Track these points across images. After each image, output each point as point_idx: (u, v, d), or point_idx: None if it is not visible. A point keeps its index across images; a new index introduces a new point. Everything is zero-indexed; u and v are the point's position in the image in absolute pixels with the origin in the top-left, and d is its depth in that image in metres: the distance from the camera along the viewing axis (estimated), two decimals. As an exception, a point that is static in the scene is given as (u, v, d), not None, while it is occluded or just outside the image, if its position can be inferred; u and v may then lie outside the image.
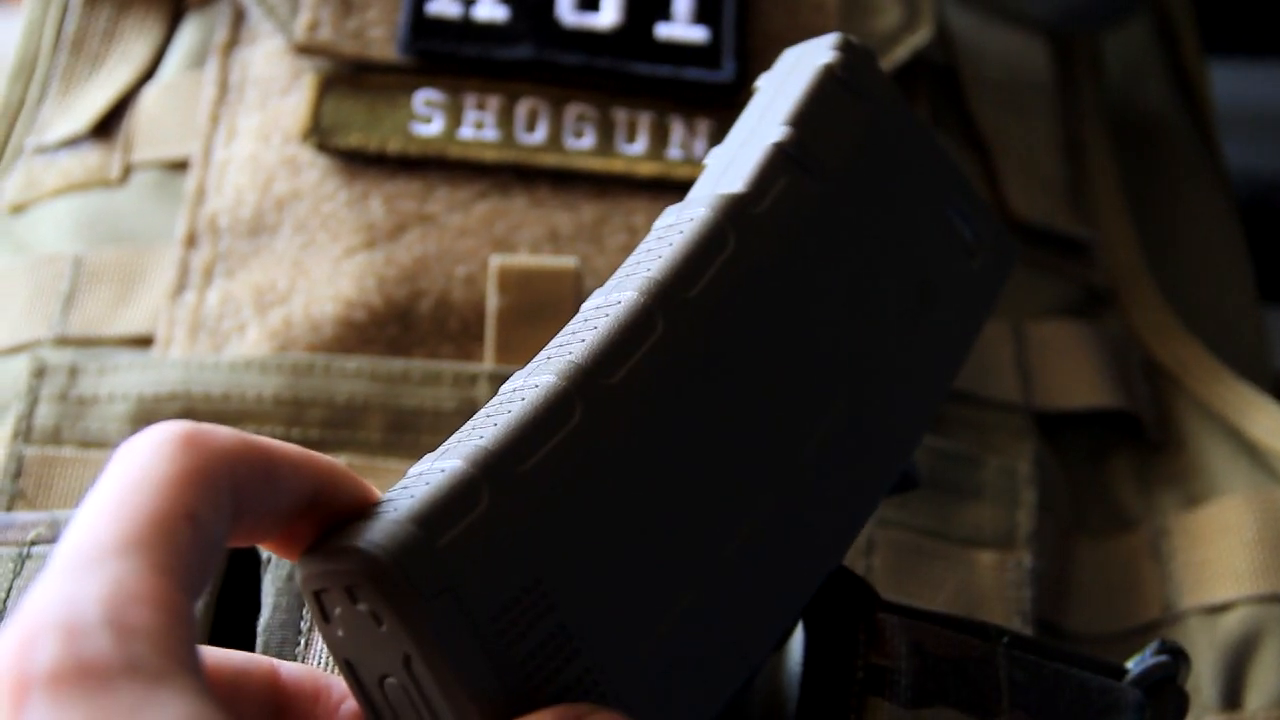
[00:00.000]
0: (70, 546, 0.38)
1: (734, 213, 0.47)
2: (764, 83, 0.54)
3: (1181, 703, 0.52)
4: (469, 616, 0.40)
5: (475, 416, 0.45)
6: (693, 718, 0.44)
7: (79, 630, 0.36)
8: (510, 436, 0.42)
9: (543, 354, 0.46)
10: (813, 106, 0.51)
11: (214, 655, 0.44)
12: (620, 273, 0.48)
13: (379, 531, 0.40)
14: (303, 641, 0.51)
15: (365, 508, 0.42)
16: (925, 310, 0.51)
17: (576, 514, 0.43)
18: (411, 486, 0.42)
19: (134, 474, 0.39)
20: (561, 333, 0.47)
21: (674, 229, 0.48)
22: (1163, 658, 0.52)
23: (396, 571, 0.40)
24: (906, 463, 0.51)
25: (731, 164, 0.50)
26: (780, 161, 0.49)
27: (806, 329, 0.48)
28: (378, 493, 0.43)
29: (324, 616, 0.42)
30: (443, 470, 0.42)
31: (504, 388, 0.45)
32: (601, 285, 0.48)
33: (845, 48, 0.52)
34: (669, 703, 0.44)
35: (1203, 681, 0.62)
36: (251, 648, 0.51)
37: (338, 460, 0.44)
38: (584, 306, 0.47)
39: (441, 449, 0.44)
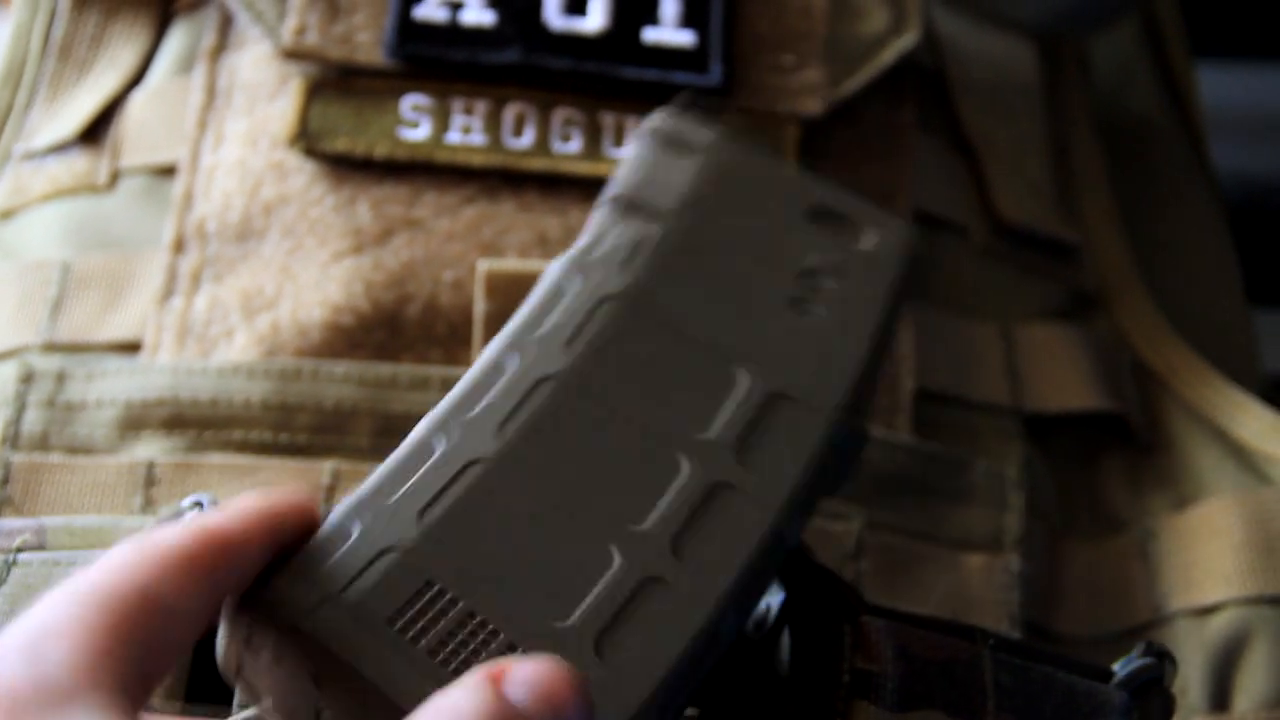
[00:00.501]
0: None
1: (576, 262, 0.54)
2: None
3: (1168, 705, 0.52)
4: (361, 622, 0.43)
5: None
6: (653, 680, 0.45)
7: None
8: (379, 478, 0.47)
9: None
10: (638, 162, 0.58)
11: None
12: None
13: (268, 585, 0.44)
14: None
15: (272, 546, 0.45)
16: (812, 297, 0.55)
17: (458, 523, 0.46)
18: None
19: (94, 565, 0.41)
20: None
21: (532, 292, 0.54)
22: (1149, 660, 0.52)
23: (269, 597, 0.43)
24: (852, 432, 0.53)
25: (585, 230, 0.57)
26: (612, 210, 0.56)
27: (679, 330, 0.53)
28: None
29: (252, 693, 0.45)
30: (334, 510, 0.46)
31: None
32: None
33: (674, 111, 0.60)
34: (618, 669, 0.44)
35: (1191, 683, 0.62)
36: None
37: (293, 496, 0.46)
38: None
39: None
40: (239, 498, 0.45)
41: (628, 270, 0.54)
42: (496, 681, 0.41)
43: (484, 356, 0.51)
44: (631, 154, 0.58)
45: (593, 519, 0.47)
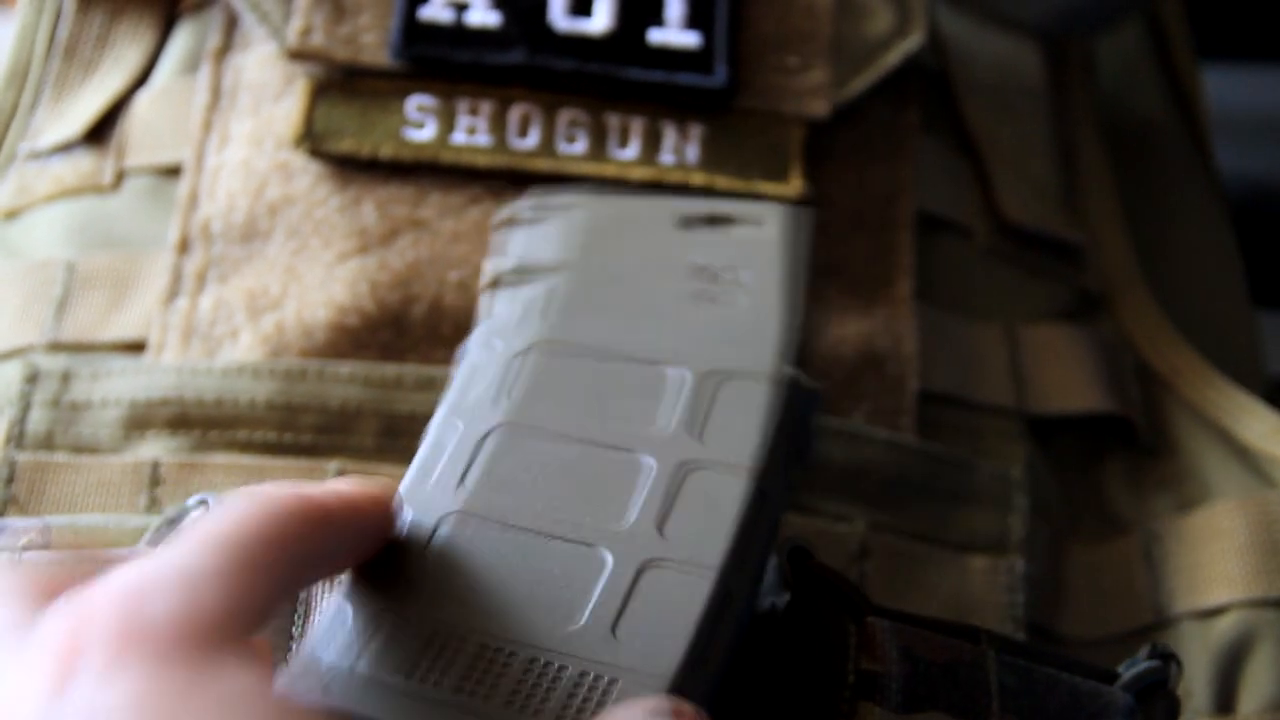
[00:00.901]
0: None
1: (484, 334, 0.56)
2: None
3: (1173, 707, 0.53)
4: (378, 687, 0.44)
5: None
6: (679, 652, 0.45)
7: (141, 597, 0.38)
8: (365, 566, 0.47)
9: None
10: (508, 243, 0.60)
11: None
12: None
13: (296, 674, 0.44)
14: (293, 646, 0.52)
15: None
16: (714, 288, 0.57)
17: (442, 575, 0.47)
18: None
19: (227, 512, 0.42)
20: None
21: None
22: (1154, 662, 0.52)
23: (292, 695, 0.43)
24: (801, 389, 0.53)
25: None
26: (502, 286, 0.58)
27: (604, 354, 0.54)
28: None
29: None
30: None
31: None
32: None
33: (525, 199, 0.62)
34: (644, 646, 0.45)
35: (1195, 685, 0.62)
36: None
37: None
38: None
39: None
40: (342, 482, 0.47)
41: (534, 323, 0.55)
42: None
43: (427, 437, 0.52)
44: (500, 240, 0.61)
45: (573, 533, 0.48)
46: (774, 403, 0.52)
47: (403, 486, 0.49)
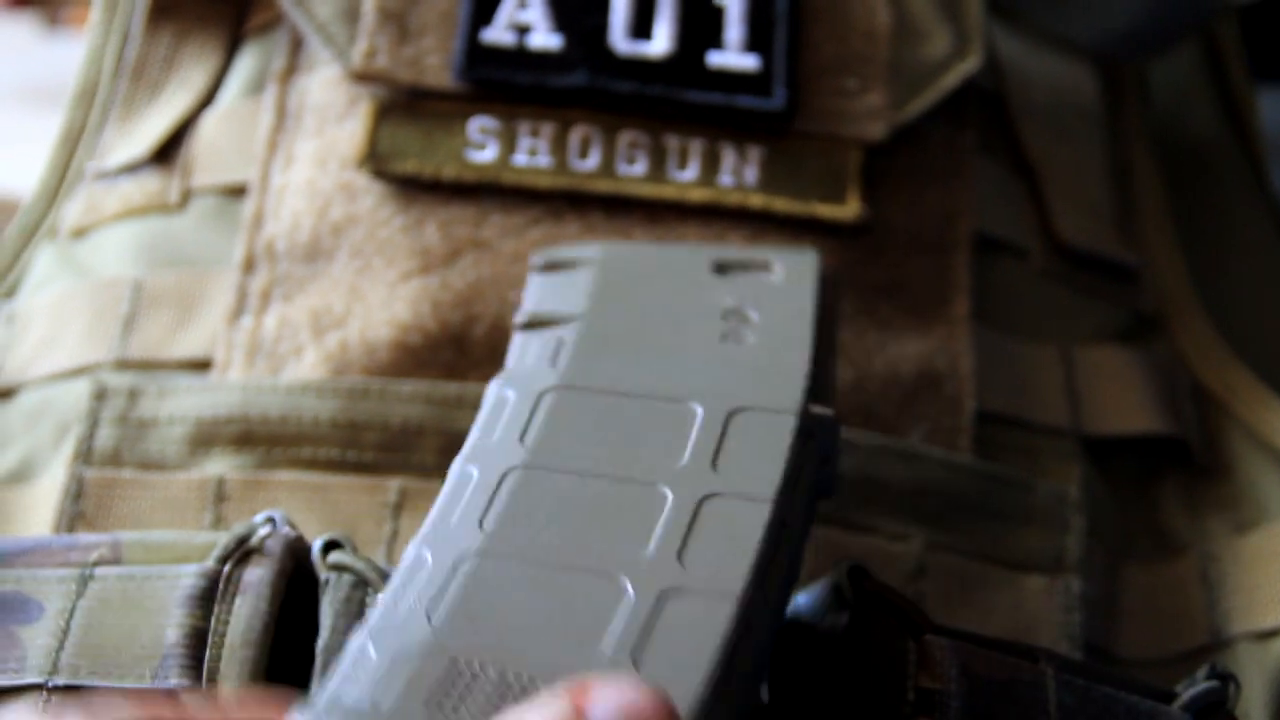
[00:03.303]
0: None
1: (505, 379, 0.55)
2: None
3: (1231, 728, 0.53)
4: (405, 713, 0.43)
5: None
6: (701, 679, 0.45)
7: None
8: (381, 605, 0.47)
9: None
10: (534, 292, 0.60)
11: None
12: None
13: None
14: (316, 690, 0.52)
15: None
16: (739, 329, 0.57)
17: (464, 609, 0.46)
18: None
19: None
20: None
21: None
22: (1213, 683, 0.53)
23: None
24: (820, 421, 0.53)
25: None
26: (524, 333, 0.58)
27: (622, 393, 0.54)
28: None
29: None
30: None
31: None
32: None
33: (541, 257, 0.62)
34: (666, 674, 0.44)
35: (1253, 708, 0.62)
36: (310, 669, 0.52)
37: None
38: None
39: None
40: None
41: (556, 366, 0.55)
42: (578, 697, 0.41)
43: (449, 478, 0.51)
44: (526, 289, 0.61)
45: (593, 564, 0.47)
46: (791, 434, 0.51)
47: (422, 532, 0.49)
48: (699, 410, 0.52)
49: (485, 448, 0.52)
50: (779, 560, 0.49)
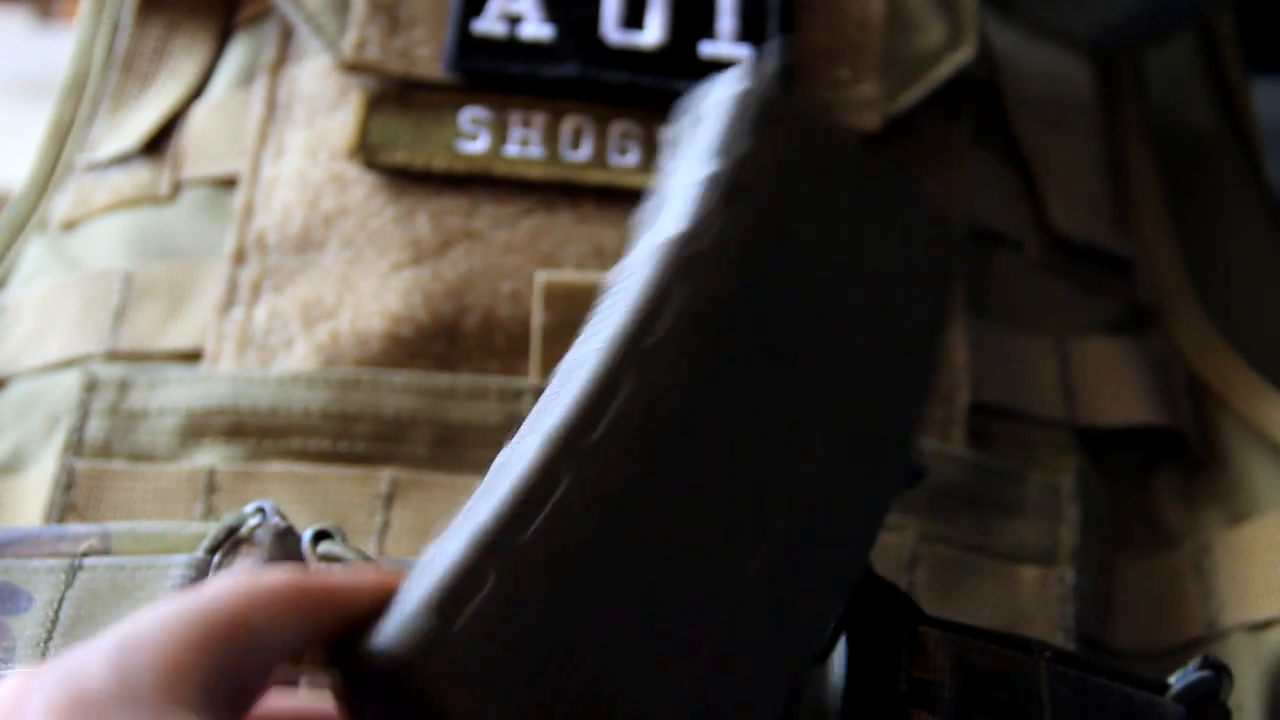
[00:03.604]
0: None
1: (679, 253, 0.49)
2: (677, 128, 0.56)
3: (1225, 718, 0.52)
4: (498, 692, 0.41)
5: (473, 495, 0.46)
6: None
7: (81, 668, 0.38)
8: (504, 512, 0.43)
9: (526, 423, 0.48)
10: (733, 134, 0.52)
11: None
12: (587, 330, 0.50)
13: (394, 628, 0.42)
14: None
15: (383, 605, 0.43)
16: (886, 304, 0.52)
17: (584, 573, 0.44)
18: (421, 576, 0.43)
19: (186, 592, 0.41)
20: (541, 397, 0.48)
21: (633, 277, 0.49)
22: (1206, 674, 0.52)
23: (417, 665, 0.41)
24: (909, 458, 0.52)
25: (670, 206, 0.51)
26: (712, 193, 0.50)
27: (775, 347, 0.49)
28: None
29: (357, 717, 0.44)
30: (446, 556, 0.43)
31: (495, 463, 0.47)
32: None
33: (755, 73, 0.54)
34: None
35: (1246, 698, 0.62)
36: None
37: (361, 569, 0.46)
38: (560, 368, 0.49)
39: (446, 534, 0.45)
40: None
41: (733, 274, 0.49)
42: None
43: (593, 369, 0.47)
44: (724, 122, 0.53)
45: (696, 575, 0.45)
46: (899, 475, 0.51)
47: (559, 428, 0.45)
48: (825, 413, 0.49)
49: (650, 346, 0.47)
50: (841, 606, 0.49)
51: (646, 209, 0.54)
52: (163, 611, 0.40)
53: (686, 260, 0.49)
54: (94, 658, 0.38)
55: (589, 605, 0.43)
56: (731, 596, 0.45)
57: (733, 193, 0.50)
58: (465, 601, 0.42)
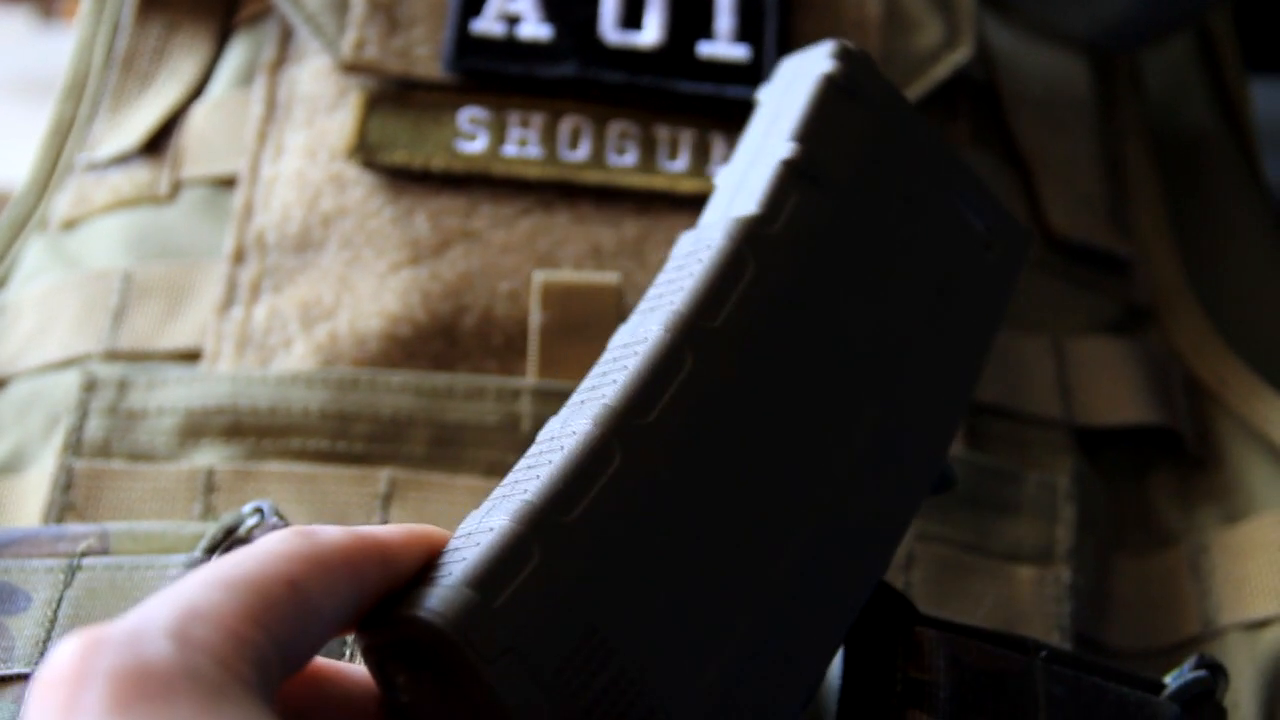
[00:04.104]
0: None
1: (750, 236, 0.48)
2: (765, 95, 0.56)
3: (1220, 717, 0.53)
4: (533, 673, 0.41)
5: (516, 467, 0.46)
6: None
7: (143, 637, 0.37)
8: (553, 488, 0.43)
9: (576, 397, 0.47)
10: (816, 118, 0.52)
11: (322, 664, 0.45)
12: (644, 305, 0.49)
13: (437, 599, 0.41)
14: (347, 653, 0.52)
15: (422, 572, 0.43)
16: (945, 306, 0.52)
17: (625, 557, 0.43)
18: (462, 548, 0.43)
19: (245, 550, 0.41)
20: (592, 373, 0.48)
21: (693, 257, 0.49)
22: (1201, 673, 0.53)
23: (459, 638, 0.40)
24: (942, 462, 0.52)
25: (742, 184, 0.51)
26: (790, 178, 0.50)
27: (832, 340, 0.49)
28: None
29: (388, 684, 0.43)
30: (491, 529, 0.43)
31: (541, 435, 0.46)
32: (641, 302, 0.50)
33: (843, 55, 0.54)
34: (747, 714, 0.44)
35: (1242, 698, 0.62)
36: None
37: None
38: (611, 343, 0.48)
39: (487, 505, 0.44)
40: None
41: (801, 262, 0.49)
42: None
43: (651, 346, 0.46)
44: (807, 104, 0.52)
45: (728, 569, 0.45)
46: (925, 491, 0.51)
47: (618, 401, 0.45)
48: (872, 410, 0.49)
49: (710, 330, 0.47)
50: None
51: (723, 175, 0.53)
52: (219, 578, 0.39)
53: (756, 242, 0.48)
54: (156, 626, 0.37)
55: (626, 591, 0.43)
56: (761, 590, 0.45)
57: (808, 179, 0.50)
58: (509, 577, 0.41)
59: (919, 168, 0.54)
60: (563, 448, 0.44)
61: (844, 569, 0.48)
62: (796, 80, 0.54)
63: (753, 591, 0.45)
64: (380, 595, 0.42)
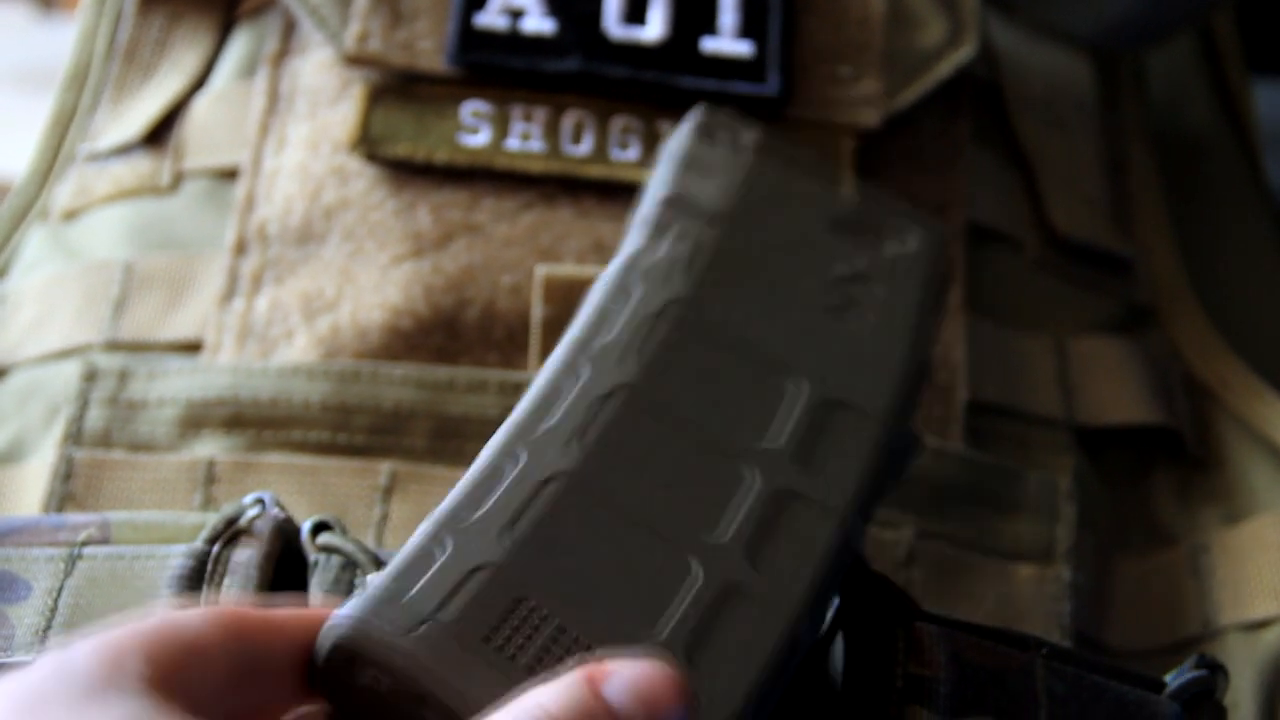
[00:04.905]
0: None
1: (633, 265, 0.54)
2: (660, 155, 0.61)
3: (1220, 717, 0.53)
4: (459, 642, 0.43)
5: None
6: (743, 691, 0.45)
7: (26, 670, 0.39)
8: (463, 491, 0.47)
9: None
10: (685, 161, 0.58)
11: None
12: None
13: (353, 604, 0.44)
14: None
15: None
16: (851, 298, 0.56)
17: (542, 539, 0.46)
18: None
19: None
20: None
21: (591, 295, 0.54)
22: (1201, 672, 0.53)
23: (371, 624, 0.43)
24: (904, 435, 0.54)
25: (634, 227, 0.57)
26: (665, 212, 0.56)
27: (729, 339, 0.53)
28: None
29: (345, 712, 0.45)
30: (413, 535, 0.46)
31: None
32: None
33: (708, 111, 0.61)
34: (709, 679, 0.45)
35: (1242, 698, 0.62)
36: None
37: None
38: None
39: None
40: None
41: (683, 279, 0.54)
42: (595, 682, 0.41)
43: (549, 368, 0.51)
44: (679, 149, 0.59)
45: (668, 531, 0.48)
46: (881, 450, 0.52)
47: (510, 425, 0.49)
48: (797, 390, 0.52)
49: (598, 346, 0.52)
50: (836, 577, 0.50)
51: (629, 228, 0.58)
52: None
53: (639, 270, 0.54)
54: (42, 660, 0.40)
55: (551, 567, 0.46)
56: (709, 550, 0.47)
57: (682, 210, 0.57)
58: (422, 570, 0.45)
59: (804, 200, 0.59)
60: (477, 459, 0.49)
61: (803, 527, 0.49)
62: (674, 139, 0.61)
63: (699, 551, 0.47)
64: (281, 650, 0.44)
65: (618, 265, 0.54)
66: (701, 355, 0.53)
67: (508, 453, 0.48)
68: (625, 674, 0.42)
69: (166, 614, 0.42)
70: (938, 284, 0.59)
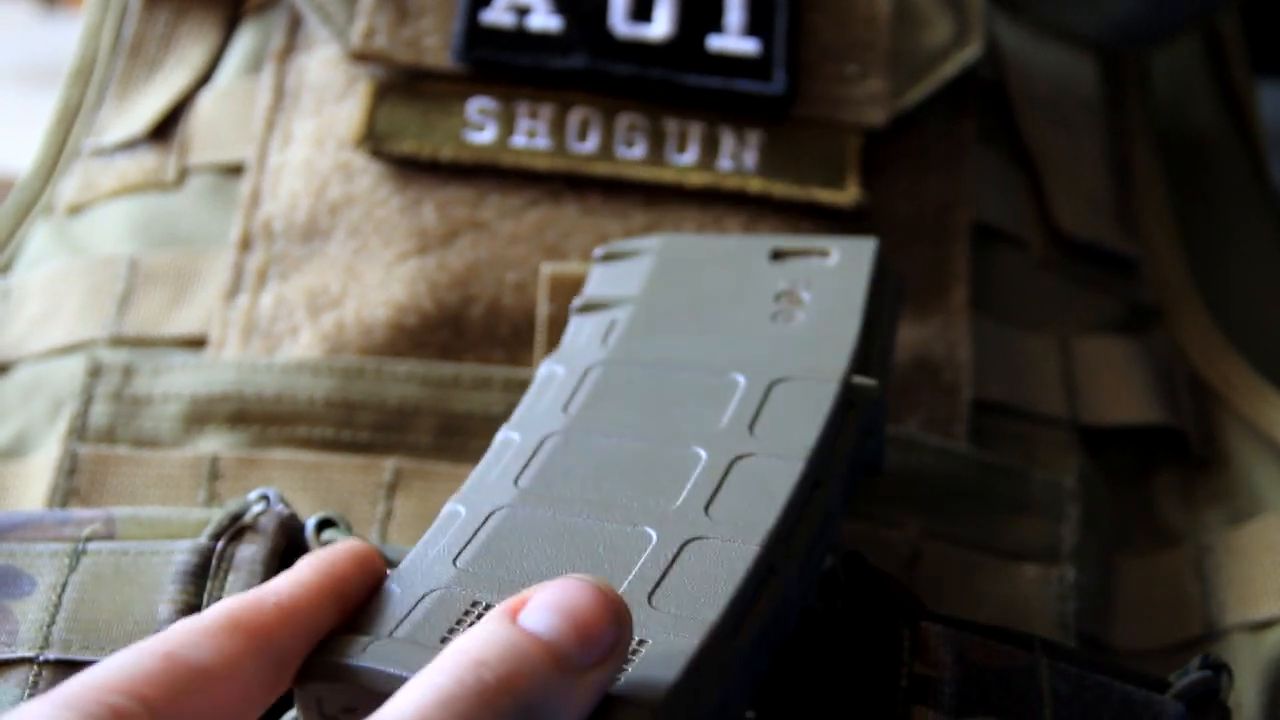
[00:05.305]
0: None
1: (557, 356, 0.58)
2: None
3: (1224, 717, 0.53)
4: (417, 644, 0.44)
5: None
6: (711, 619, 0.45)
7: None
8: (412, 552, 0.49)
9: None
10: (595, 279, 0.62)
11: None
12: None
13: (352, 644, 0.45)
14: None
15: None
16: (791, 309, 0.57)
17: (492, 554, 0.48)
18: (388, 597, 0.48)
19: None
20: None
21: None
22: (1206, 672, 0.52)
23: (324, 657, 0.45)
24: (866, 390, 0.54)
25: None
26: (581, 315, 0.60)
27: (670, 366, 0.55)
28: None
29: None
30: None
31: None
32: None
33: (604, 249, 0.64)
34: (673, 610, 0.45)
35: (1246, 698, 0.62)
36: None
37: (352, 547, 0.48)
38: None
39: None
40: (303, 561, 0.47)
41: (606, 343, 0.57)
42: (514, 612, 0.41)
43: (494, 442, 0.54)
44: (588, 279, 0.62)
45: (623, 513, 0.48)
46: (831, 400, 0.52)
47: (460, 491, 0.51)
48: (741, 380, 0.54)
49: (529, 416, 0.54)
50: (810, 516, 0.49)
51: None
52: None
53: (560, 357, 0.57)
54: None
55: (502, 567, 0.47)
56: (666, 516, 0.48)
57: (593, 308, 0.60)
58: (375, 612, 0.46)
59: (724, 255, 0.61)
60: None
61: (760, 490, 0.49)
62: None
63: (651, 525, 0.48)
64: (299, 653, 0.45)
65: (545, 363, 0.57)
66: (638, 384, 0.54)
67: (451, 510, 0.50)
68: (541, 596, 0.42)
69: (177, 634, 0.42)
70: (883, 277, 0.59)
